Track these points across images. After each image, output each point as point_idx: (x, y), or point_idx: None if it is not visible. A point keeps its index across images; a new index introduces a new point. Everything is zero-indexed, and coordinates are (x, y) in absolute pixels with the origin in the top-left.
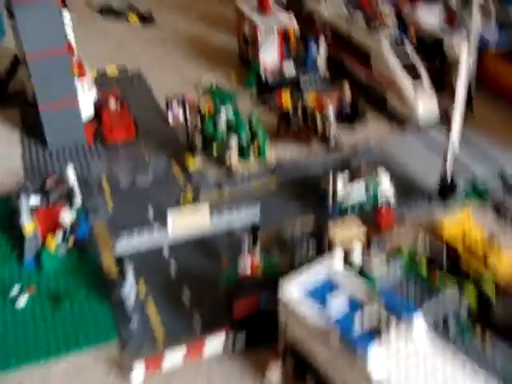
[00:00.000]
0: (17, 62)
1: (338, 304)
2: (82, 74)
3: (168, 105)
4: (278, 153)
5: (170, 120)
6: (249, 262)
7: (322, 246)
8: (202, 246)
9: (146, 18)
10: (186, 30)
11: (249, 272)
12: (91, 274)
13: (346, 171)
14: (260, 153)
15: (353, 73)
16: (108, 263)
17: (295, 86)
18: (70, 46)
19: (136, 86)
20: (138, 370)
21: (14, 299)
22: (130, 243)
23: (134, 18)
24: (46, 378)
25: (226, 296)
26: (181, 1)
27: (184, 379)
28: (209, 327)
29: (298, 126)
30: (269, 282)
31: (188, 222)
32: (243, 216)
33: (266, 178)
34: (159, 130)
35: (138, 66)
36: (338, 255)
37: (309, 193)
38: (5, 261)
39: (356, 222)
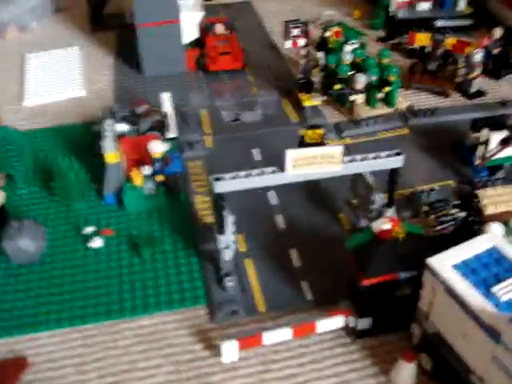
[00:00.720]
0: None
1: None
2: None
3: (286, 30)
4: (411, 99)
5: (287, 46)
6: (388, 220)
7: (469, 217)
8: (319, 194)
9: None
10: None
11: (386, 232)
12: (180, 220)
13: (504, 131)
14: (390, 98)
15: (499, 17)
16: (201, 209)
17: (429, 27)
18: None
19: (244, 14)
20: (231, 345)
21: (88, 237)
22: (232, 185)
23: None
24: (116, 338)
25: (356, 258)
26: None
27: (290, 359)
28: (323, 301)
29: (436, 71)
30: (415, 250)
31: (312, 162)
32: (383, 163)
33: (396, 126)
34: (269, 62)
35: None
36: (497, 228)
37: (449, 148)
38: (81, 194)
39: None
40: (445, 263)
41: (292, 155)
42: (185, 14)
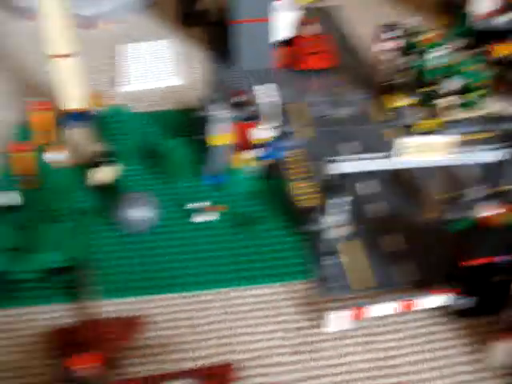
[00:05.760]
0: None
1: None
2: None
3: (378, 33)
4: (496, 108)
5: (377, 49)
6: (491, 208)
7: None
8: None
9: None
10: None
11: (488, 220)
12: (281, 202)
13: None
14: (475, 104)
15: None
16: (300, 193)
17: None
18: None
19: (333, 18)
20: (338, 316)
21: (191, 212)
22: (344, 167)
23: None
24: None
25: (458, 241)
26: None
27: (390, 333)
28: (425, 283)
29: None
30: None
31: (423, 150)
32: (488, 154)
33: (483, 130)
34: (356, 64)
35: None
36: None
37: None
38: (184, 173)
39: None
40: None
41: (402, 142)
42: (279, 12)
